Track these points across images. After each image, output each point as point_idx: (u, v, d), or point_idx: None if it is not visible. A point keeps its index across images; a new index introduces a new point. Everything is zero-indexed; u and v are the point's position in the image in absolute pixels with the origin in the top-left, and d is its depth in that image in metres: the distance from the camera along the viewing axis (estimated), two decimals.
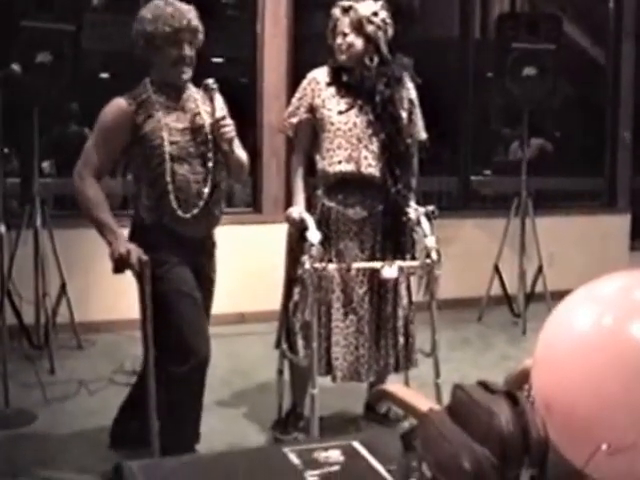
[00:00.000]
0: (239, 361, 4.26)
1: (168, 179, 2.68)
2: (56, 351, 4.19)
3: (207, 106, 2.78)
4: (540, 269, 5.11)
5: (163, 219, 2.73)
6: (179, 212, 2.70)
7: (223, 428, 3.31)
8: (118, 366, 4.03)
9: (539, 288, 5.13)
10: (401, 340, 3.16)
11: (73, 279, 4.53)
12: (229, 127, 2.74)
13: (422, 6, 7.29)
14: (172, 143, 2.70)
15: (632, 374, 0.94)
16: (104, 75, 6.94)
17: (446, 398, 3.00)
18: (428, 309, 3.08)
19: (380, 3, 3.11)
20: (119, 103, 2.73)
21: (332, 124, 3.06)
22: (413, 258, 3.09)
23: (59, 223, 4.72)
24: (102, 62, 6.70)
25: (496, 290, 5.21)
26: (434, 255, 2.96)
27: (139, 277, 2.64)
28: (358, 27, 3.05)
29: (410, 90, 3.18)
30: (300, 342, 3.08)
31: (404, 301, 3.18)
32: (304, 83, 3.18)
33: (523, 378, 1.19)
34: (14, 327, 4.19)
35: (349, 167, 3.05)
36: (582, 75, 6.90)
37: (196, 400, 2.86)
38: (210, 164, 2.74)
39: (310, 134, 3.14)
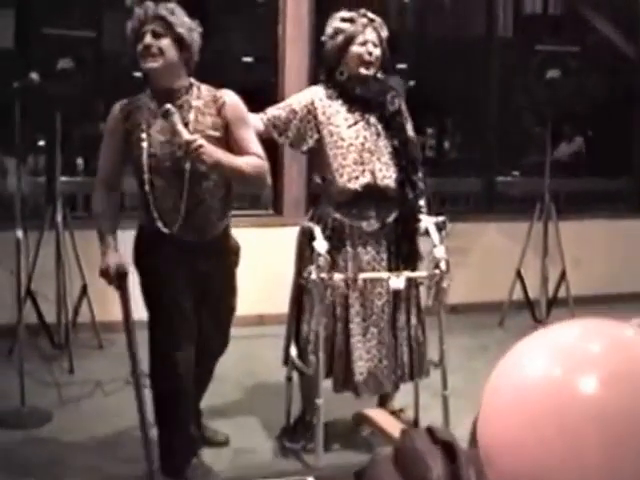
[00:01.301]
0: (255, 364, 4.28)
1: (147, 189, 2.72)
2: (77, 350, 4.25)
3: (204, 114, 2.74)
4: (563, 274, 5.03)
5: (154, 223, 2.77)
6: (159, 224, 2.74)
7: (231, 434, 3.33)
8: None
9: (562, 293, 5.06)
10: (415, 348, 3.16)
11: (96, 278, 4.58)
12: (196, 151, 2.60)
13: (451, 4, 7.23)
14: (151, 155, 2.70)
15: (576, 430, 0.93)
16: (137, 74, 7.04)
17: (454, 410, 3.00)
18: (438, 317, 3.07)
19: None
20: (114, 109, 2.80)
21: (343, 139, 3.04)
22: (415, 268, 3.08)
23: (84, 223, 4.79)
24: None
25: (519, 295, 5.15)
26: (443, 265, 2.95)
27: (120, 289, 2.73)
28: (382, 42, 3.07)
29: (404, 106, 3.19)
30: (309, 351, 3.08)
31: (415, 310, 3.17)
32: (302, 98, 3.10)
33: None
34: (37, 326, 4.29)
35: (365, 180, 3.04)
36: (615, 73, 6.78)
37: (180, 410, 2.88)
38: (186, 178, 2.69)
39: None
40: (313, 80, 4.96)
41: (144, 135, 2.70)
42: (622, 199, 6.41)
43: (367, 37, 3.03)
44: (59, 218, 4.25)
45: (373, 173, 3.04)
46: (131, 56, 2.78)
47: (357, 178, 3.03)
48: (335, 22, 3.10)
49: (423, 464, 0.90)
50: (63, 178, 4.86)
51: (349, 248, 3.04)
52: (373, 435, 3.06)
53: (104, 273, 2.73)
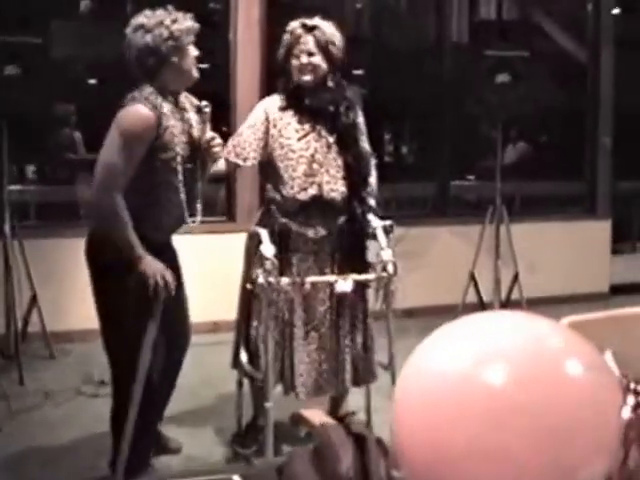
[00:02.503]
0: (209, 371, 4.25)
1: (172, 190, 2.74)
2: (29, 361, 4.21)
3: (194, 115, 2.83)
4: (516, 276, 5.09)
5: (142, 226, 2.71)
6: (188, 218, 2.80)
7: (183, 440, 3.31)
8: (87, 377, 4.03)
9: (516, 295, 5.12)
10: (360, 354, 3.17)
11: (48, 288, 4.54)
12: (219, 146, 2.84)
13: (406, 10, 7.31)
14: (180, 156, 2.74)
15: (486, 423, 0.94)
16: (92, 81, 6.99)
17: None
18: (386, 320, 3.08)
19: (332, 24, 3.12)
20: (144, 112, 2.64)
21: (293, 152, 3.05)
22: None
23: (34, 232, 4.75)
24: (90, 68, 6.73)
25: (473, 298, 5.20)
26: (390, 268, 2.96)
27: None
28: (325, 48, 3.04)
29: (361, 118, 3.19)
30: (259, 356, 3.08)
31: (361, 316, 3.18)
32: (256, 115, 3.12)
33: None
34: None
35: (312, 192, 3.05)
36: (567, 79, 6.91)
37: (152, 413, 2.90)
38: (198, 174, 2.83)
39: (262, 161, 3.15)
40: (265, 85, 5.00)
41: (177, 139, 2.73)
42: (575, 202, 6.53)
43: (301, 47, 3.04)
44: (7, 228, 4.20)
45: (320, 186, 3.05)
46: (187, 57, 2.75)
47: (305, 190, 3.05)
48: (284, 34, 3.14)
49: (335, 456, 0.91)
50: (15, 187, 4.82)
51: (292, 254, 3.05)
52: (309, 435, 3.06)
53: (152, 276, 2.64)
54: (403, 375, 1.04)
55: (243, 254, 3.19)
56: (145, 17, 2.71)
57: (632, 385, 0.97)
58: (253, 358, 3.13)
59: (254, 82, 5.05)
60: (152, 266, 2.65)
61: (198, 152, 2.82)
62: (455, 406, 0.96)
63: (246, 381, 3.27)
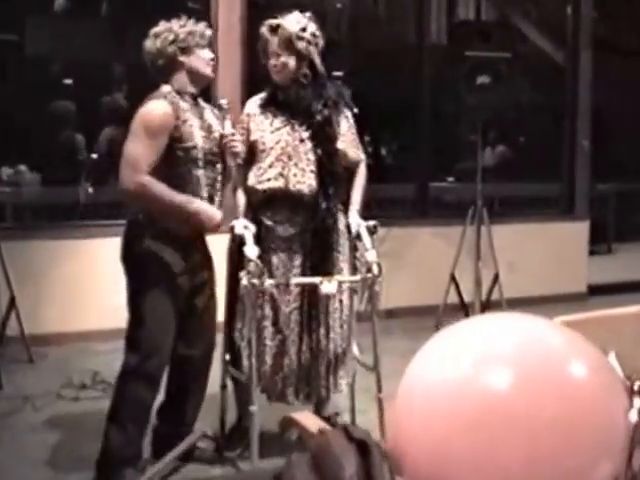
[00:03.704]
0: None
1: (194, 180, 2.83)
2: (7, 365, 4.15)
3: (215, 118, 2.99)
4: (496, 277, 5.11)
5: (165, 220, 2.83)
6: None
7: None
8: (66, 381, 3.98)
9: (496, 296, 5.14)
10: (333, 362, 3.13)
11: (26, 291, 4.48)
12: (237, 142, 2.96)
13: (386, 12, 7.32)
14: (200, 147, 2.86)
15: (483, 430, 0.93)
16: (68, 81, 6.93)
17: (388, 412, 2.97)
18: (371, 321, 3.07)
19: (308, 15, 3.10)
20: (163, 105, 2.80)
21: (264, 144, 3.08)
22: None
23: (12, 234, 4.68)
24: (65, 68, 6.67)
25: (454, 298, 5.22)
26: (375, 269, 2.95)
27: None
28: (289, 45, 3.03)
29: (348, 118, 3.18)
30: (243, 358, 3.06)
31: (337, 324, 3.14)
32: (243, 123, 3.19)
33: None
34: None
35: (277, 184, 3.04)
36: (546, 80, 6.96)
37: (144, 405, 2.91)
38: (219, 169, 2.94)
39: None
40: (247, 85, 4.98)
41: (196, 131, 2.86)
42: (553, 203, 6.59)
43: (269, 50, 3.07)
44: None
45: (286, 178, 3.04)
46: (200, 57, 2.92)
47: (269, 180, 3.06)
48: None
49: (337, 464, 0.89)
50: None
51: (264, 251, 3.02)
52: (300, 439, 3.03)
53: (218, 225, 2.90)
54: (404, 382, 1.03)
55: (226, 255, 3.16)
56: (159, 26, 2.91)
57: (636, 386, 0.96)
58: (237, 360, 3.10)
59: (235, 82, 5.03)
60: (208, 212, 2.84)
61: (219, 150, 2.95)
62: (457, 414, 0.96)
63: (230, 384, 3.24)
